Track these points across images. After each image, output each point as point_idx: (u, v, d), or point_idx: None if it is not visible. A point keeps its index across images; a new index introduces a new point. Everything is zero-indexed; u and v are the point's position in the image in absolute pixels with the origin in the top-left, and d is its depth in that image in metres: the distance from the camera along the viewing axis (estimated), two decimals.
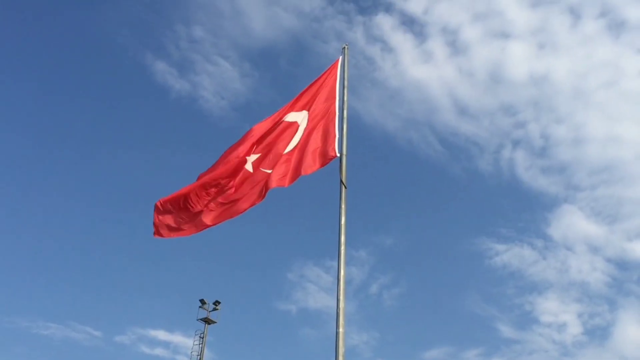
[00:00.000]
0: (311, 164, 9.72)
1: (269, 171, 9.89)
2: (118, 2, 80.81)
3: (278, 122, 10.51)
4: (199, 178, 10.34)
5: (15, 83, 79.55)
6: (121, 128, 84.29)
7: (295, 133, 10.32)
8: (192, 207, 10.00)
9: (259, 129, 10.49)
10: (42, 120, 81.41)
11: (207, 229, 9.99)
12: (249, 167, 10.08)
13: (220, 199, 9.97)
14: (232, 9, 79.17)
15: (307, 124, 10.38)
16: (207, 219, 9.93)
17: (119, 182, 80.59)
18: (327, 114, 10.40)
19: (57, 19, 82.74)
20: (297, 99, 10.80)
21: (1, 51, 77.12)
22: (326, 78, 11.01)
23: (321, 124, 10.30)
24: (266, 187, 9.63)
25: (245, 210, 9.78)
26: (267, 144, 10.30)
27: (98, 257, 73.83)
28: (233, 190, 9.96)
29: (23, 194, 77.30)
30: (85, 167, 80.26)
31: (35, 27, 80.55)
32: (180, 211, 10.10)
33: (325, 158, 9.69)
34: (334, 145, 9.76)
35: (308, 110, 10.62)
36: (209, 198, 10.00)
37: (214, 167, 10.39)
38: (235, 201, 9.90)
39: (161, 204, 10.11)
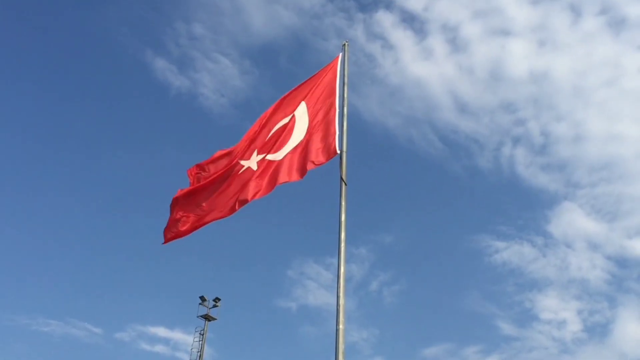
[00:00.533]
0: (288, 174, 9.67)
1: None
2: (118, 0, 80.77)
3: (274, 123, 10.48)
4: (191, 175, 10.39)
5: (14, 82, 79.56)
6: (121, 125, 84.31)
7: (290, 136, 10.24)
8: (176, 211, 10.12)
9: (255, 129, 10.50)
10: (42, 118, 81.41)
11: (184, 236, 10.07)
12: (253, 166, 10.01)
13: (204, 205, 10.02)
14: (232, 6, 79.20)
15: (308, 126, 10.28)
16: (184, 226, 10.01)
17: (118, 179, 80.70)
18: (325, 114, 10.30)
19: (57, 17, 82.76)
20: (295, 97, 10.73)
21: (0, 50, 77.12)
22: (325, 74, 10.95)
23: (317, 126, 10.22)
24: (244, 196, 9.59)
25: (218, 219, 9.80)
26: (268, 143, 10.25)
27: (98, 254, 73.92)
28: (217, 195, 9.98)
29: (23, 192, 77.36)
30: (84, 165, 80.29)
31: (34, 26, 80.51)
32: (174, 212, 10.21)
33: (303, 170, 9.62)
34: (325, 149, 9.68)
35: (307, 104, 10.57)
36: (194, 206, 10.07)
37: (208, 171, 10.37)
38: (210, 211, 9.92)
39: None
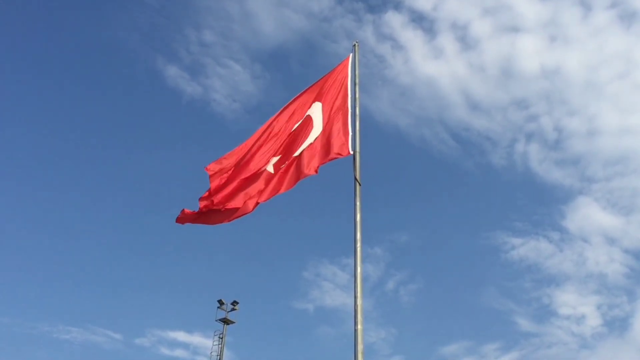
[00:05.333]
0: (306, 168, 9.56)
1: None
2: (128, 8, 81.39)
3: (289, 126, 10.39)
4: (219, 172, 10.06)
5: (26, 89, 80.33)
6: (134, 132, 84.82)
7: (307, 136, 10.16)
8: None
9: (275, 126, 10.36)
10: (56, 125, 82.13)
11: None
12: (270, 168, 9.91)
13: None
14: (241, 11, 79.38)
15: (323, 125, 10.23)
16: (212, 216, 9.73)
17: (134, 185, 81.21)
18: (339, 115, 10.26)
19: (68, 25, 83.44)
20: (307, 98, 10.68)
21: (16, 59, 77.97)
22: (336, 75, 10.91)
23: (332, 126, 10.14)
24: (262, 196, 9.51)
25: (237, 217, 9.59)
26: (285, 144, 10.18)
27: (116, 260, 74.43)
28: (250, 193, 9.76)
29: (41, 198, 78.06)
30: (101, 171, 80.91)
31: (44, 34, 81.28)
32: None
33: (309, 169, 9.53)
34: (339, 148, 9.62)
35: (321, 104, 10.52)
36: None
37: (239, 162, 10.03)
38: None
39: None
